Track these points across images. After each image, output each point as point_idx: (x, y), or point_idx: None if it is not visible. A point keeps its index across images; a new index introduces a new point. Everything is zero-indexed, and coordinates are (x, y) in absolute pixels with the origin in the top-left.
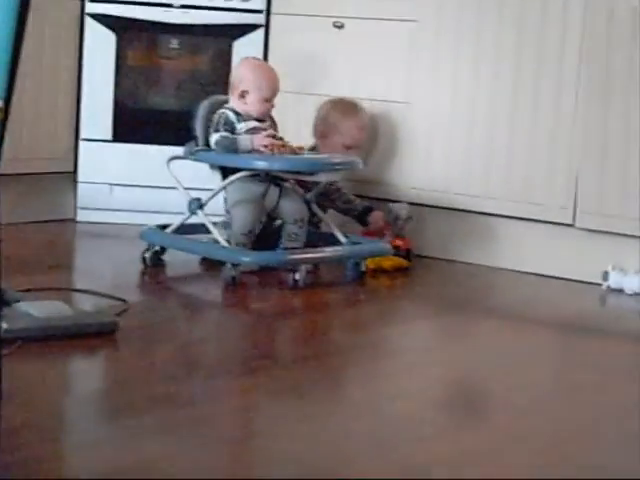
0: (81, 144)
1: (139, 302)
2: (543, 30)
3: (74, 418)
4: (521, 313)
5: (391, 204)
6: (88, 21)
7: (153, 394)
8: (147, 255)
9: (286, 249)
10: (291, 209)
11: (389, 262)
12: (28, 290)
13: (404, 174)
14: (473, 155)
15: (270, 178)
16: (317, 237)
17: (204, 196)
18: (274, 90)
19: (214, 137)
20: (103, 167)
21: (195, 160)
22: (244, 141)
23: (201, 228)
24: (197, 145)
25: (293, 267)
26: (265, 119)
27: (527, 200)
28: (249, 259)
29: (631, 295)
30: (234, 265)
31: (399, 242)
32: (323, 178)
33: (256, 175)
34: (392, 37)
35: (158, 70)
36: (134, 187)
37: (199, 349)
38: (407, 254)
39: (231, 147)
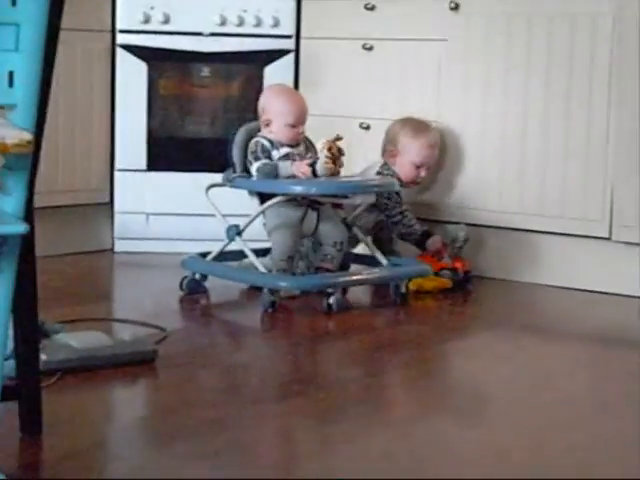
0: (116, 174)
1: (178, 330)
2: (572, 44)
3: (117, 447)
4: (562, 328)
5: (449, 226)
6: (119, 52)
7: (195, 421)
8: (185, 282)
9: (319, 269)
10: (330, 232)
11: (431, 283)
12: (67, 321)
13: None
14: (505, 172)
15: (307, 202)
16: (358, 259)
17: (242, 222)
18: (298, 115)
19: (255, 165)
20: (139, 197)
21: (233, 187)
22: (284, 168)
23: (243, 255)
24: (235, 172)
25: (330, 291)
26: (298, 144)
27: (563, 215)
28: (286, 284)
29: None
30: (272, 291)
31: (458, 264)
32: (359, 200)
33: (293, 200)
34: (422, 57)
35: (190, 98)
36: (170, 216)
37: (239, 375)
38: (466, 276)
39: (272, 174)
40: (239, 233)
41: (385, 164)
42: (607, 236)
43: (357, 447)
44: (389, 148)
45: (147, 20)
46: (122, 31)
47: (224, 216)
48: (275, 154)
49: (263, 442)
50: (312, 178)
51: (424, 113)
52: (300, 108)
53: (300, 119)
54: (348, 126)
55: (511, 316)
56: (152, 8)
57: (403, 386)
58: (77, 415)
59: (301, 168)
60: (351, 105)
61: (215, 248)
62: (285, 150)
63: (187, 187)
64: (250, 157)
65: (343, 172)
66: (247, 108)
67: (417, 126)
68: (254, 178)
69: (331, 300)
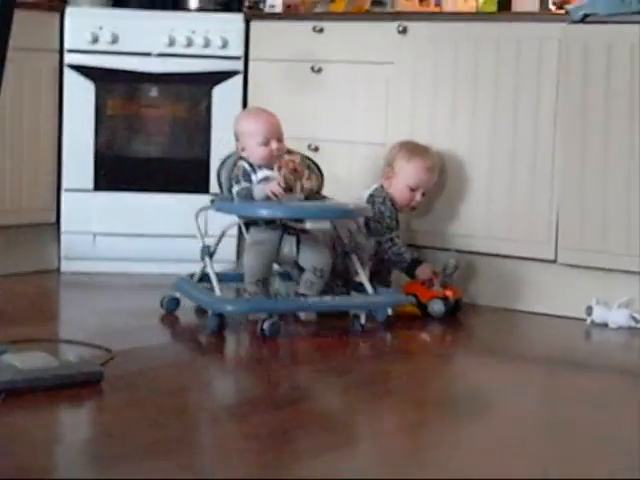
0: (63, 194)
1: (125, 351)
2: (519, 68)
3: (62, 469)
4: (506, 350)
5: (439, 253)
6: (67, 72)
7: (141, 443)
8: (165, 301)
9: (297, 294)
10: (310, 258)
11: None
12: (12, 342)
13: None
14: (453, 194)
15: (282, 226)
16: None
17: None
18: (269, 131)
19: (235, 188)
20: (85, 217)
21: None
22: (258, 191)
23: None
24: (222, 194)
25: (264, 316)
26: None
27: (510, 237)
28: (232, 307)
29: (615, 329)
30: (216, 314)
31: (448, 292)
32: (308, 226)
33: (270, 223)
34: (370, 79)
35: (138, 118)
36: (117, 236)
37: (185, 397)
38: (457, 304)
39: (248, 197)
40: (210, 255)
41: (380, 187)
42: (553, 258)
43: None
44: (386, 170)
45: (95, 40)
46: (70, 51)
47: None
48: (254, 178)
49: (212, 464)
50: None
51: (372, 135)
52: (268, 125)
53: (273, 135)
54: (297, 147)
55: (460, 338)
56: (100, 28)
57: (354, 408)
58: (21, 436)
59: (271, 188)
60: (300, 126)
61: (161, 268)
62: (263, 173)
63: (134, 207)
64: (232, 181)
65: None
66: (195, 128)
67: (414, 149)
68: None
69: (265, 325)
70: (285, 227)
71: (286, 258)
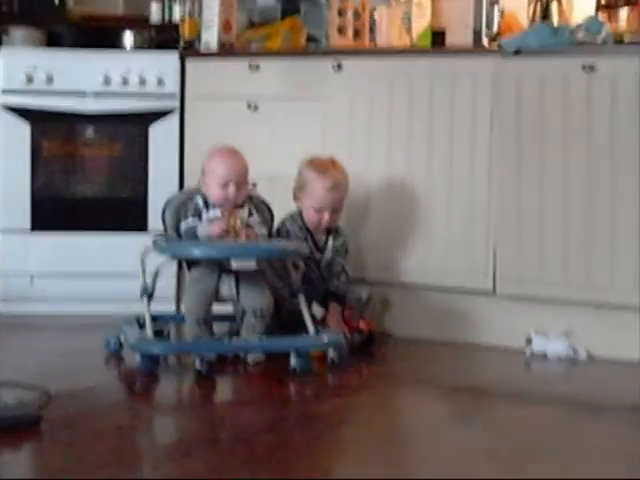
0: (0, 235)
1: (64, 392)
2: (453, 102)
3: None
4: (446, 381)
5: (353, 287)
6: (2, 113)
7: None
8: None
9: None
10: (248, 299)
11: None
12: None
13: None
14: (390, 227)
15: (219, 267)
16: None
17: None
18: (229, 175)
19: (182, 224)
20: (23, 257)
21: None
22: (202, 231)
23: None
24: (165, 232)
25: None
26: (240, 205)
27: (448, 269)
28: (158, 349)
29: (554, 359)
30: (147, 356)
31: (362, 325)
32: (234, 265)
33: (210, 263)
34: (306, 116)
35: (75, 158)
36: (55, 276)
37: (123, 438)
38: (370, 336)
39: (192, 235)
40: (149, 294)
41: (293, 213)
42: (491, 289)
43: None
44: (296, 191)
45: (30, 80)
46: (5, 91)
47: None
48: (205, 216)
49: None
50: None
51: None
52: (231, 168)
53: (229, 178)
54: (274, 191)
55: (400, 371)
56: (35, 68)
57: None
58: None
59: (210, 228)
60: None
61: (101, 308)
62: (213, 213)
63: (72, 247)
64: (182, 214)
65: None
66: (132, 167)
67: (316, 167)
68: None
69: (198, 365)
70: (222, 267)
71: (225, 297)
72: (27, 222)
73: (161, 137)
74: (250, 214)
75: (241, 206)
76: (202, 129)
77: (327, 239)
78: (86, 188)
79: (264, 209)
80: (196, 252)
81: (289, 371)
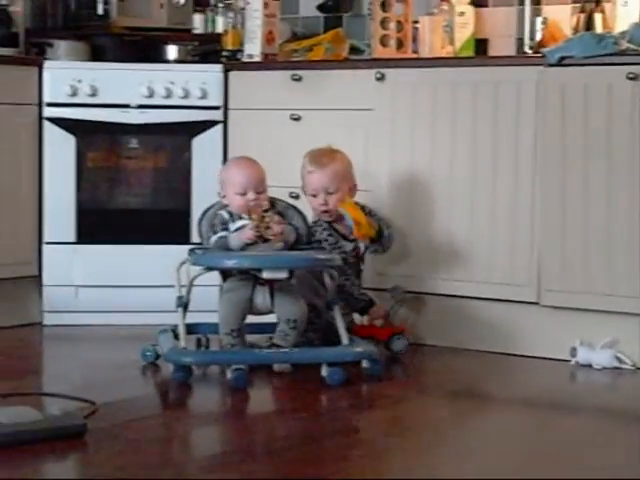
0: (45, 247)
1: (108, 403)
2: (497, 112)
3: None
4: (493, 393)
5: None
6: (46, 125)
7: None
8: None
9: (273, 345)
10: (282, 309)
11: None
12: None
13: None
14: (434, 239)
15: (254, 277)
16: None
17: None
18: (247, 182)
19: (213, 238)
20: (68, 269)
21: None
22: (233, 240)
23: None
24: (202, 245)
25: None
26: (265, 210)
27: (492, 280)
28: (189, 359)
29: (599, 370)
30: (180, 366)
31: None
32: (265, 275)
33: (245, 274)
34: (349, 126)
35: (119, 170)
36: (99, 288)
37: (169, 449)
38: (390, 339)
39: (224, 246)
40: (185, 306)
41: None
42: (536, 300)
43: None
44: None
45: (74, 93)
46: (49, 104)
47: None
48: (231, 227)
49: None
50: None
51: None
52: (246, 175)
53: (247, 186)
54: (278, 195)
55: (446, 382)
56: (79, 81)
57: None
58: None
59: (241, 235)
60: (280, 175)
61: (145, 319)
62: (240, 223)
63: (116, 259)
64: (210, 230)
65: None
66: (176, 179)
67: (315, 157)
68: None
69: (229, 376)
70: (257, 277)
71: (260, 308)
72: (72, 234)
73: (205, 149)
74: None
75: (266, 211)
76: (245, 140)
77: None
78: (130, 200)
79: (293, 214)
80: (228, 263)
81: (321, 381)
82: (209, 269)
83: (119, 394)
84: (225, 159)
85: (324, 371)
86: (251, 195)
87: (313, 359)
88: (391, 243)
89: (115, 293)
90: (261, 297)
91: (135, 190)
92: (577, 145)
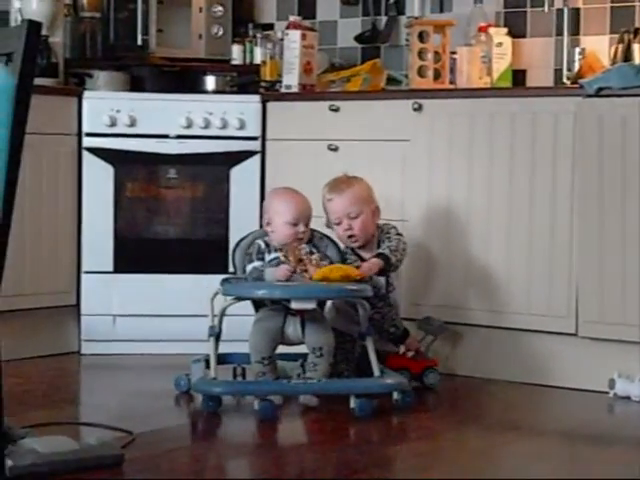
0: (83, 277)
1: (145, 433)
2: (534, 142)
3: None
4: (530, 424)
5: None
6: (85, 155)
7: None
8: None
9: (305, 377)
10: (310, 338)
11: (337, 273)
12: (33, 426)
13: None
14: (472, 269)
15: (285, 307)
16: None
17: None
18: (297, 212)
19: (248, 267)
20: (105, 298)
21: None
22: (269, 274)
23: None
24: (235, 274)
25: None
26: (300, 244)
27: (529, 311)
28: (220, 389)
29: (638, 402)
30: (209, 396)
31: (411, 364)
32: (293, 305)
33: (276, 305)
34: (386, 157)
35: (157, 200)
36: (136, 317)
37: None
38: (421, 374)
39: (259, 277)
40: (217, 335)
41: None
42: (574, 332)
43: None
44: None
45: (113, 123)
46: (88, 134)
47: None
48: (267, 257)
49: None
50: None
51: (390, 212)
52: (299, 206)
53: (299, 217)
54: (315, 225)
55: (481, 414)
56: (118, 111)
57: None
58: None
59: (277, 273)
60: (317, 205)
61: (182, 349)
62: (274, 255)
63: (154, 288)
64: (246, 259)
65: None
66: (214, 209)
67: (333, 185)
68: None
69: (256, 406)
70: (288, 308)
71: (291, 338)
72: (110, 263)
73: (242, 179)
74: (311, 253)
75: (305, 252)
76: (283, 171)
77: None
78: (168, 229)
79: (327, 244)
80: (258, 293)
81: (351, 413)
82: (239, 299)
83: (155, 424)
84: (263, 189)
85: (352, 403)
86: (302, 227)
87: (342, 390)
88: (399, 265)
89: (152, 322)
90: (292, 327)
91: (173, 220)
92: (615, 177)
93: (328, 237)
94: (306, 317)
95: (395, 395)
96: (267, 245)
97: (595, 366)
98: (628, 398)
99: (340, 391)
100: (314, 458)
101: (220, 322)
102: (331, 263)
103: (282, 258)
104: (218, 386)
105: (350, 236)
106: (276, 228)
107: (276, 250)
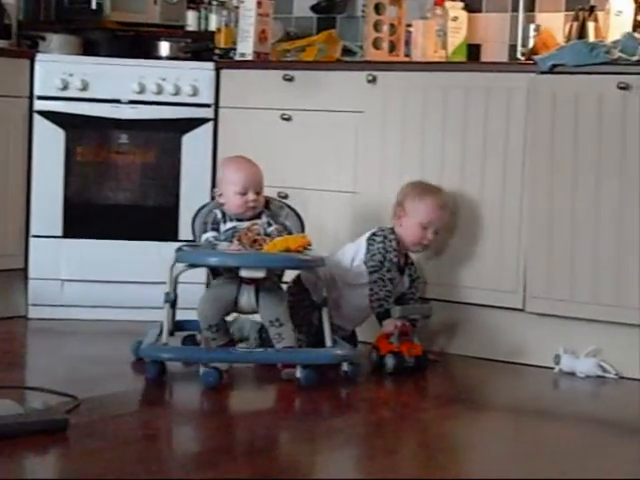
0: (31, 240)
1: (91, 398)
2: (487, 117)
3: None
4: (476, 398)
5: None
6: (37, 118)
7: None
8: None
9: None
10: (265, 311)
11: (295, 244)
12: None
13: None
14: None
15: (238, 277)
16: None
17: None
18: (247, 182)
19: (202, 237)
20: (54, 263)
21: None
22: (220, 247)
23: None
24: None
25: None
26: (256, 215)
27: (478, 286)
28: (166, 355)
29: (583, 378)
30: (155, 362)
31: (403, 348)
32: (243, 273)
33: (230, 275)
34: (339, 128)
35: (107, 165)
36: (85, 282)
37: (150, 445)
38: (418, 360)
39: (212, 249)
40: (172, 302)
41: (384, 229)
42: (521, 307)
43: None
44: (397, 210)
45: (65, 87)
46: (40, 97)
47: None
48: (222, 227)
49: None
50: None
51: (341, 183)
52: (248, 175)
53: (247, 186)
54: (266, 194)
55: (427, 386)
56: (71, 75)
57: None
58: None
59: (231, 248)
60: (269, 174)
61: (130, 315)
62: (231, 224)
63: (102, 254)
64: (202, 229)
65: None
66: (165, 175)
67: (425, 187)
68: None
69: (200, 372)
70: (242, 278)
71: (245, 308)
72: (59, 228)
73: (194, 146)
74: (269, 224)
75: (258, 217)
76: (235, 139)
77: (405, 265)
78: (118, 195)
79: (287, 214)
80: (210, 260)
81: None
82: (193, 266)
83: (101, 390)
84: (215, 157)
85: (298, 372)
86: (251, 195)
87: (287, 360)
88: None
89: (101, 288)
90: (246, 296)
91: (123, 186)
92: (566, 153)
93: (288, 206)
94: (260, 287)
95: (344, 366)
96: (224, 215)
97: (541, 342)
98: (573, 374)
99: (286, 360)
100: (256, 426)
101: (174, 289)
102: (289, 234)
103: (236, 243)
104: (164, 352)
105: (419, 243)
106: (227, 199)
107: (232, 220)
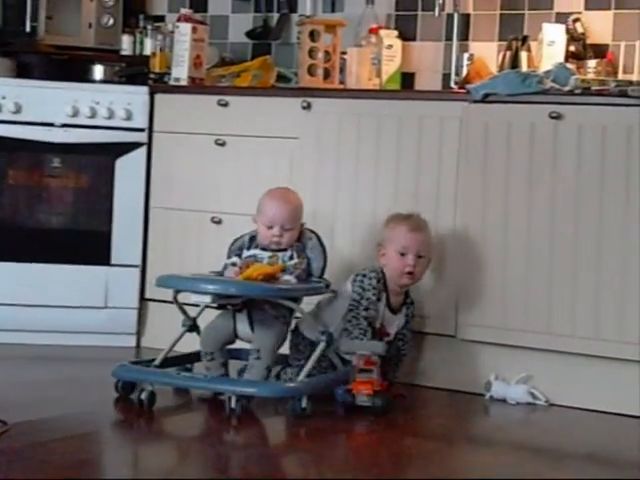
0: None
1: (21, 423)
2: (420, 145)
3: None
4: (406, 425)
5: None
6: None
7: None
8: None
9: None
10: (254, 339)
11: (257, 272)
12: None
13: None
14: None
15: (232, 306)
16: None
17: None
18: (276, 218)
19: (224, 261)
20: None
21: None
22: (227, 273)
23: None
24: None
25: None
26: (283, 248)
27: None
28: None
29: (513, 405)
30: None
31: (361, 386)
32: (192, 298)
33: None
34: (274, 154)
35: (40, 189)
36: (15, 306)
37: (82, 471)
38: (382, 398)
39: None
40: (188, 327)
41: (373, 269)
42: (453, 334)
43: None
44: (379, 249)
45: None
46: None
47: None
48: (246, 253)
49: None
50: None
51: None
52: (277, 212)
53: (273, 221)
54: (200, 220)
55: (357, 413)
56: (4, 98)
57: None
58: None
59: (225, 273)
60: (203, 199)
61: (63, 340)
62: (252, 252)
63: (34, 278)
64: (230, 252)
65: None
66: (98, 200)
67: (395, 216)
68: None
69: (142, 395)
70: (233, 306)
71: (243, 336)
72: None
73: (128, 170)
74: (290, 258)
75: (284, 249)
76: (169, 164)
77: (403, 304)
78: (51, 219)
79: (314, 245)
80: (179, 285)
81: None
82: (177, 291)
83: (35, 415)
84: (148, 182)
85: (233, 403)
86: (276, 231)
87: (225, 390)
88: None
89: (33, 312)
90: (241, 325)
91: (56, 209)
92: (498, 181)
93: (318, 237)
94: (253, 317)
95: (232, 402)
96: (251, 241)
97: (472, 368)
98: (504, 401)
99: (223, 390)
100: (193, 453)
101: (183, 314)
102: (309, 266)
103: (237, 271)
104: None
105: (402, 272)
106: (258, 227)
107: (256, 247)
